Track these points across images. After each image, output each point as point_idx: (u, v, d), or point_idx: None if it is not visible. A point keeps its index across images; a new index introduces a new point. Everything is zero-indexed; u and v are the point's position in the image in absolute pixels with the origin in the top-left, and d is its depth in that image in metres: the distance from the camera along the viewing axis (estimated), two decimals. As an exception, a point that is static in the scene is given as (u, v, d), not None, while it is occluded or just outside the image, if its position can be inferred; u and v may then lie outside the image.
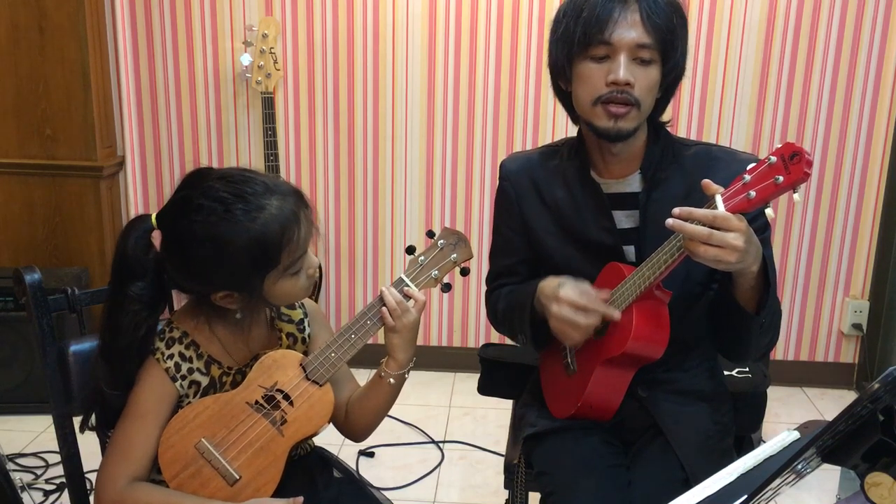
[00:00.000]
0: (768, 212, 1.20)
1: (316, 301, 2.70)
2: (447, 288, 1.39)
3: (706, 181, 1.25)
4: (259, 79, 2.85)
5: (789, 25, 2.91)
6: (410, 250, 1.38)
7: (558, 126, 3.03)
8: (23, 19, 2.86)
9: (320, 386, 1.31)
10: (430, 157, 3.11)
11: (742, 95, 2.98)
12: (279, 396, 1.30)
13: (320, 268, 3.06)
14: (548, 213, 1.53)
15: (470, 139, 3.08)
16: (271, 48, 2.87)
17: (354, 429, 1.44)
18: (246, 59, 2.88)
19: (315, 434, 1.36)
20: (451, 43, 3.00)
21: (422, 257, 1.36)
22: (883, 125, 2.98)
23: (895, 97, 2.95)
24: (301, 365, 1.31)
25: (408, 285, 1.34)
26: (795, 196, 1.17)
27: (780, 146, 1.17)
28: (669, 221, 1.23)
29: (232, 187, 1.21)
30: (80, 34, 2.87)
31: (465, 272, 1.38)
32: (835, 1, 2.88)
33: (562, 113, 2.95)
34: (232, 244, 1.19)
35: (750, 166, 1.20)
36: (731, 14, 2.91)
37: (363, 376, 1.42)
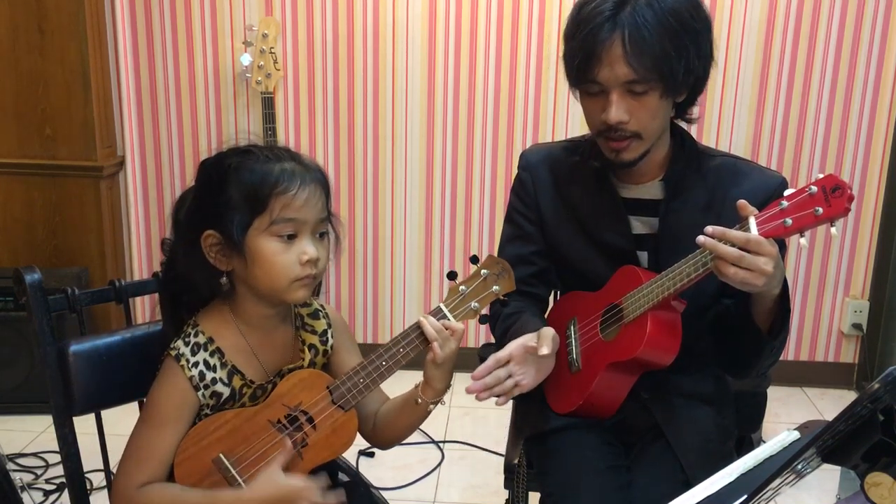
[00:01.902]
0: (802, 241, 1.19)
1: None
2: (485, 320, 1.32)
3: (742, 202, 1.22)
4: (259, 79, 2.85)
5: (789, 25, 2.91)
6: (452, 276, 1.30)
7: (558, 126, 3.03)
8: (23, 19, 2.86)
9: (345, 411, 1.26)
10: (430, 157, 3.11)
11: (742, 95, 2.98)
12: (302, 418, 1.25)
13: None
14: (564, 209, 1.53)
15: (470, 139, 3.08)
16: (271, 48, 2.87)
17: (381, 441, 1.41)
18: (246, 59, 2.88)
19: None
20: (451, 43, 3.00)
21: (463, 286, 1.29)
22: (883, 125, 2.98)
23: (895, 97, 2.95)
24: (328, 388, 1.26)
25: (447, 317, 1.27)
26: (833, 230, 1.16)
27: (821, 177, 1.15)
28: (701, 239, 1.21)
29: (267, 144, 1.27)
30: (80, 34, 2.87)
31: (504, 305, 1.32)
32: (835, 1, 2.88)
33: (562, 113, 2.97)
34: (235, 173, 1.21)
35: (787, 192, 1.18)
36: (731, 14, 2.91)
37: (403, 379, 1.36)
